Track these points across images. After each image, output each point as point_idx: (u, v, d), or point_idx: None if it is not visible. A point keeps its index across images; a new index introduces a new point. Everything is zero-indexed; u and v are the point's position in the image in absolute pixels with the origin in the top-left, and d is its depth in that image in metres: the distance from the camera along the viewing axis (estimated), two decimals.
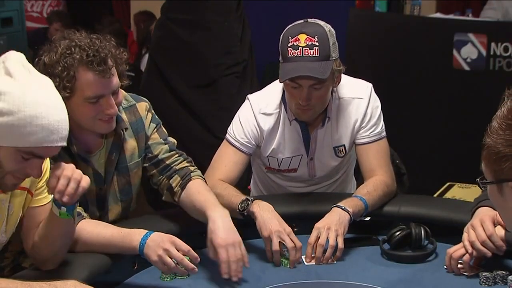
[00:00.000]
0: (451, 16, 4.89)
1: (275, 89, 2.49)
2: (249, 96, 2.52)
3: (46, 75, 1.95)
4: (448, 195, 3.34)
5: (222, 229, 2.07)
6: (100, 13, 7.53)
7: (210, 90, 4.26)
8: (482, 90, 4.15)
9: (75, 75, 2.03)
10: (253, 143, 2.46)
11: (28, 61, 1.74)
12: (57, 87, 1.94)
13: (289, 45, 2.27)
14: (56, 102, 1.72)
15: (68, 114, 1.92)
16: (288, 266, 2.14)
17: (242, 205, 2.24)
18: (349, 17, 4.91)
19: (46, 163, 1.91)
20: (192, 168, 2.32)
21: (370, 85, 2.50)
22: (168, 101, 4.17)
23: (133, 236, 2.01)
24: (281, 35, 2.33)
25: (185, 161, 2.34)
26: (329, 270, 2.13)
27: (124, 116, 2.25)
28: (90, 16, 7.70)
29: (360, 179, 2.60)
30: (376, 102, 2.48)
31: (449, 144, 4.36)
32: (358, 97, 2.45)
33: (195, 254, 1.98)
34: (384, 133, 2.49)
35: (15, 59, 1.70)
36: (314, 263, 2.16)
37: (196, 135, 4.24)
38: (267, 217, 2.19)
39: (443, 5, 6.22)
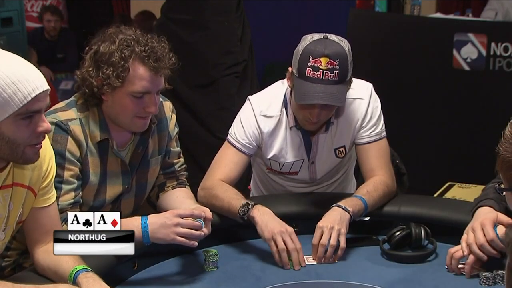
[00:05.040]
0: (451, 16, 4.90)
1: (276, 91, 2.48)
2: (250, 97, 2.51)
3: (97, 62, 2.06)
4: (448, 195, 3.34)
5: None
6: (100, 13, 7.52)
7: (210, 90, 4.26)
8: (482, 90, 4.15)
9: (129, 67, 2.06)
10: (254, 144, 2.45)
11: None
12: (110, 75, 2.04)
13: (309, 64, 2.23)
14: (15, 57, 1.70)
15: (107, 108, 2.08)
16: (293, 267, 2.13)
17: (243, 209, 2.23)
18: (349, 17, 4.91)
19: (51, 162, 1.91)
20: (186, 181, 2.43)
21: (370, 85, 2.49)
22: None
23: (129, 222, 2.00)
24: (300, 49, 2.27)
25: (185, 175, 2.44)
26: (329, 270, 2.13)
27: None
28: (90, 16, 7.70)
29: (360, 179, 2.59)
30: (376, 102, 2.48)
31: (449, 144, 4.36)
32: (359, 98, 2.44)
33: (199, 213, 2.05)
34: (384, 133, 2.48)
35: None
36: (315, 263, 2.16)
37: (196, 135, 4.24)
38: (268, 219, 2.19)
39: (443, 5, 6.23)
